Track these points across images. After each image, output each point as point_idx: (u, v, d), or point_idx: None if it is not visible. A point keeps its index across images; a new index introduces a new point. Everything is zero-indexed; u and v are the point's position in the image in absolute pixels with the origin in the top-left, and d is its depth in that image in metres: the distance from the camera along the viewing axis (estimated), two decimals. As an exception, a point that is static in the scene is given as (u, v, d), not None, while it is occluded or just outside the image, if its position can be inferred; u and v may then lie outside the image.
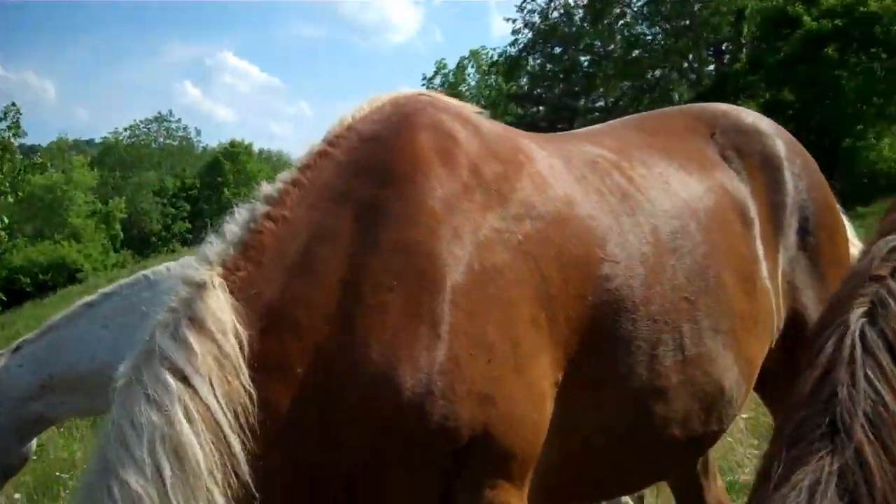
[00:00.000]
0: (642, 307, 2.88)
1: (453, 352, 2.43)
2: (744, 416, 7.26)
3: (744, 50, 39.64)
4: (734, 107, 3.88)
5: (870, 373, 2.15)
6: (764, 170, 3.53)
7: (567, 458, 2.79)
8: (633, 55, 45.76)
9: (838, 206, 3.87)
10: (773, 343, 3.43)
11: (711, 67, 43.33)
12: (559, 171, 2.92)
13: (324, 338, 2.38)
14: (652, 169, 3.21)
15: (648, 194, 3.09)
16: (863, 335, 2.22)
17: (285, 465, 2.34)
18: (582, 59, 47.48)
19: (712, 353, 3.06)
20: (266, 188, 2.60)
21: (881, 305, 2.27)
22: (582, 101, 47.18)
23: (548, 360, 2.65)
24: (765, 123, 3.75)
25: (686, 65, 44.28)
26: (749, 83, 32.31)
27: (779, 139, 3.68)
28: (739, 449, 7.08)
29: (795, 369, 3.45)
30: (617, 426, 2.89)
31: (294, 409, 2.34)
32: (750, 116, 3.76)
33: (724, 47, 43.83)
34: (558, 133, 3.64)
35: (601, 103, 47.16)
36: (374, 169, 2.61)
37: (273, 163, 72.48)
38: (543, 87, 47.46)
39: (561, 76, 46.83)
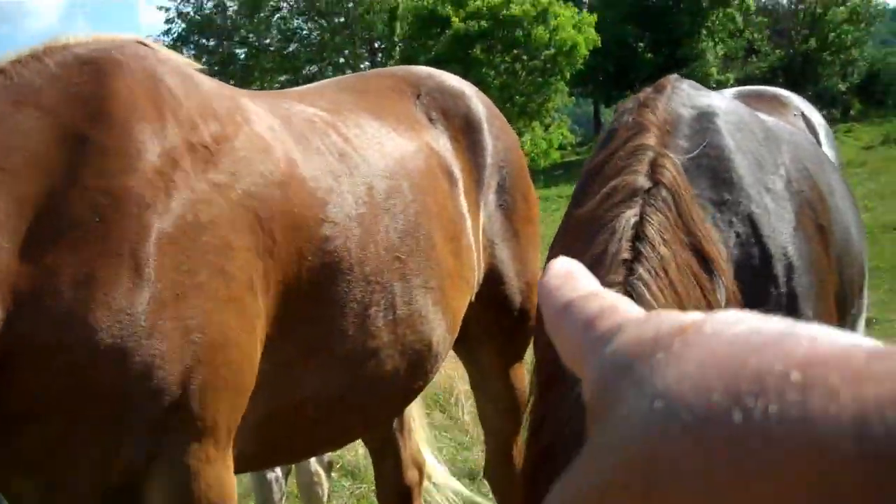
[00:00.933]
0: (357, 268, 2.89)
1: (159, 293, 2.33)
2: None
3: (397, 48, 40.95)
4: (437, 70, 3.97)
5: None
6: (467, 131, 3.65)
7: (276, 414, 2.76)
8: (290, 49, 46.04)
9: None
10: (473, 297, 3.56)
11: (367, 64, 44.39)
12: (279, 131, 2.88)
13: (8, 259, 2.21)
14: (365, 129, 3.23)
15: (364, 154, 3.10)
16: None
17: None
18: (238, 51, 47.10)
19: (422, 310, 3.13)
20: None
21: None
22: (239, 95, 46.64)
23: (263, 308, 2.62)
24: (467, 86, 3.88)
25: (342, 60, 45.03)
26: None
27: (480, 102, 3.82)
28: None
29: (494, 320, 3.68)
30: (328, 388, 2.90)
31: None
32: (454, 79, 3.87)
33: (378, 45, 45.07)
34: (272, 91, 3.55)
35: (258, 97, 46.84)
36: (89, 100, 2.41)
37: None
38: (199, 78, 46.45)
39: (216, 68, 46.11)
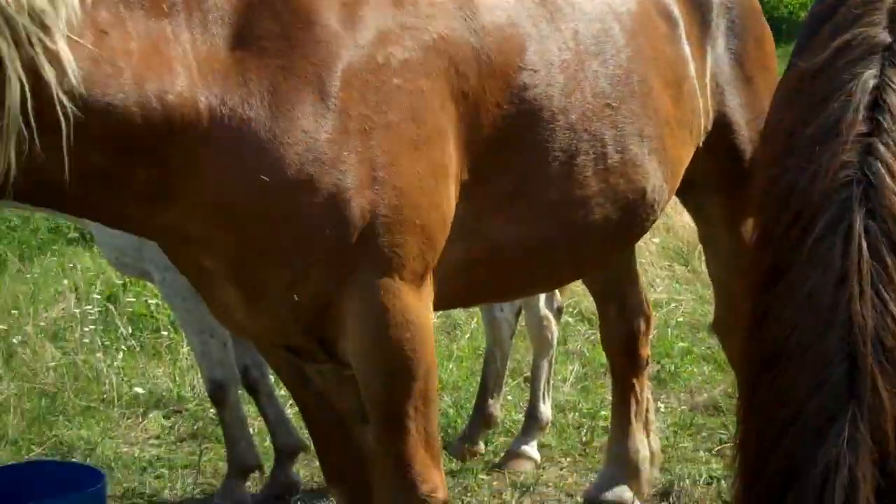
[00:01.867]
0: (561, 116, 2.84)
1: (343, 124, 2.40)
2: (655, 240, 7.65)
3: None
4: None
5: None
6: None
7: (475, 261, 2.82)
8: None
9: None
10: (700, 145, 3.46)
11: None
12: None
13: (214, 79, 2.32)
14: None
15: None
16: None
17: None
18: None
19: (637, 159, 3.06)
20: None
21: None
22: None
23: (455, 152, 2.64)
24: None
25: None
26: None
27: None
28: (651, 270, 7.45)
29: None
30: (531, 236, 2.91)
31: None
32: None
33: None
34: None
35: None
36: None
37: None
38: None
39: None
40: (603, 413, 5.33)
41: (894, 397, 2.06)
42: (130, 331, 6.70)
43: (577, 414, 5.44)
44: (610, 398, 5.40)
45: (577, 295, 6.68)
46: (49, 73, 2.06)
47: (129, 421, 5.54)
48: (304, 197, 2.38)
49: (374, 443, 2.73)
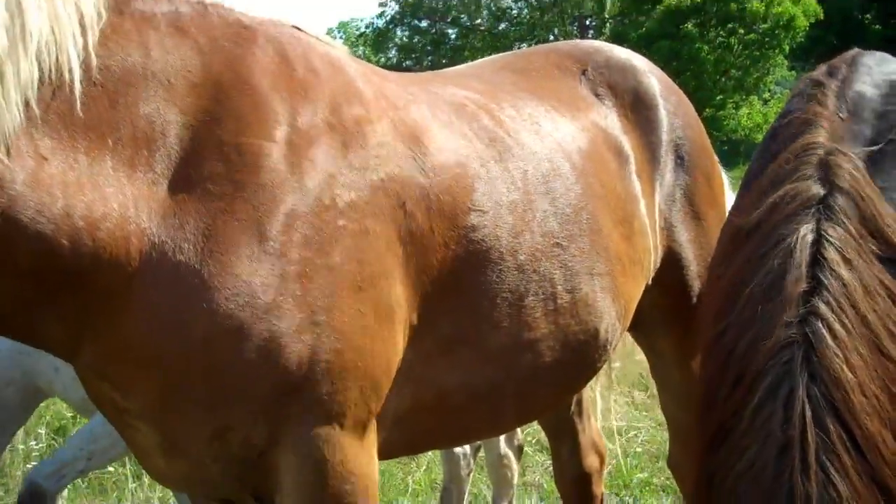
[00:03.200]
0: (509, 257, 2.80)
1: (281, 267, 2.31)
2: (615, 364, 7.62)
3: (607, 25, 40.39)
4: (606, 43, 3.80)
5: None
6: (638, 107, 3.48)
7: (421, 409, 2.73)
8: (500, 28, 46.25)
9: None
10: (649, 281, 3.43)
11: (576, 41, 43.98)
12: (425, 117, 2.81)
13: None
14: (521, 111, 3.11)
15: (518, 137, 3.00)
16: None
17: None
18: (450, 31, 47.69)
19: (588, 298, 3.01)
20: None
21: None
22: (450, 74, 47.34)
23: (403, 293, 2.57)
24: (638, 59, 3.70)
25: (552, 37, 44.85)
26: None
27: (653, 76, 3.64)
28: (608, 396, 7.39)
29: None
30: (479, 379, 2.83)
31: None
32: (623, 52, 3.70)
33: (588, 22, 44.61)
34: (424, 73, 3.49)
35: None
36: (236, 61, 2.43)
37: None
38: (412, 59, 47.41)
39: (428, 48, 46.88)
40: (563, 548, 5.22)
41: None
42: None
43: (536, 549, 5.34)
44: (570, 533, 5.38)
45: (536, 425, 6.61)
46: None
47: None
48: (234, 345, 2.27)
49: None
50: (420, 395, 2.70)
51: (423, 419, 2.76)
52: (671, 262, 3.53)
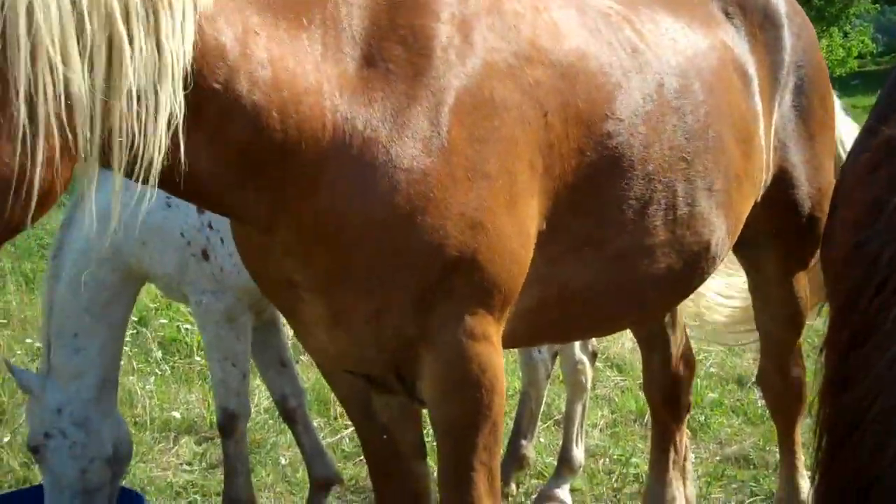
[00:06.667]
0: (639, 166, 2.88)
1: (451, 167, 2.42)
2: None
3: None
4: None
5: None
6: (765, 27, 3.51)
7: (544, 305, 2.84)
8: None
9: None
10: (758, 199, 3.49)
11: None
12: (574, 21, 2.87)
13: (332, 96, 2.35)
14: (659, 24, 3.16)
15: (657, 51, 3.05)
16: None
17: None
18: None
19: (704, 212, 3.11)
20: None
21: None
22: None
23: (537, 206, 2.66)
24: None
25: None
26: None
27: None
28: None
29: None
30: (599, 281, 2.95)
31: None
32: None
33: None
34: None
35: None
36: None
37: None
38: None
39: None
40: (634, 460, 5.35)
41: None
42: (161, 355, 6.75)
43: (607, 460, 5.45)
44: (640, 445, 5.50)
45: (606, 341, 6.70)
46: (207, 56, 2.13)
47: (162, 445, 5.57)
48: (405, 229, 2.40)
49: (441, 478, 2.75)
50: (546, 293, 2.82)
51: (546, 315, 2.89)
52: (782, 181, 3.58)
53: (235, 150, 2.26)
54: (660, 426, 4.42)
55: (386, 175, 2.36)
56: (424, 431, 3.13)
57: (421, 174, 2.38)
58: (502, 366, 2.70)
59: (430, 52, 2.44)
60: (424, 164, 2.38)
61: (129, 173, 2.10)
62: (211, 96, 2.15)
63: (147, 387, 6.19)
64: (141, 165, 2.08)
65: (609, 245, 2.91)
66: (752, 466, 5.35)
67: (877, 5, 40.08)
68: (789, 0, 3.70)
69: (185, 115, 2.09)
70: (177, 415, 5.84)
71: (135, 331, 6.98)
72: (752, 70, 3.40)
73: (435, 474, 2.86)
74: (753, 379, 5.23)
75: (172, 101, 2.06)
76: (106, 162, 2.07)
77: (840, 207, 2.82)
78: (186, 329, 6.96)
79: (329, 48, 2.34)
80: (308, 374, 6.24)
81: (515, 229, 2.57)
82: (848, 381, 2.22)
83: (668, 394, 4.36)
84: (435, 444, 2.81)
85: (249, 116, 2.21)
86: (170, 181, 2.21)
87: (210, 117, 2.18)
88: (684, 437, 4.46)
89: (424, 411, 2.91)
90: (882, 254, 2.27)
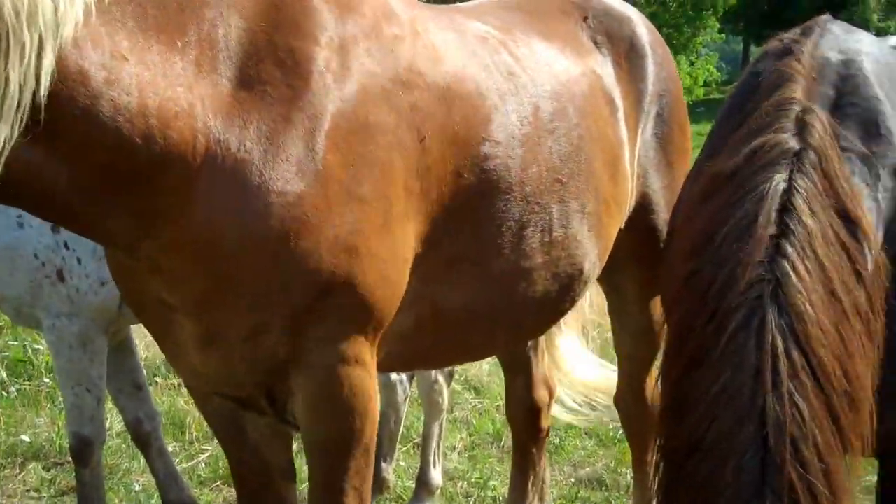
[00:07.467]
0: (517, 188, 2.93)
1: (325, 190, 2.42)
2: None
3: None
4: None
5: None
6: (630, 57, 3.62)
7: (421, 328, 2.87)
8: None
9: None
10: (622, 224, 3.59)
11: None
12: (452, 44, 2.91)
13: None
14: (534, 49, 3.23)
15: (532, 75, 3.11)
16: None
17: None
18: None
19: (578, 234, 3.17)
20: None
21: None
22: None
23: (413, 229, 2.68)
24: (632, 11, 3.84)
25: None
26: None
27: (645, 27, 3.78)
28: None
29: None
30: (476, 304, 2.97)
31: None
32: (619, 3, 3.82)
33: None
34: (445, 6, 3.53)
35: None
36: None
37: None
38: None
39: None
40: (492, 483, 5.39)
41: (804, 483, 2.20)
42: (7, 376, 6.48)
43: (465, 483, 5.47)
44: (497, 468, 5.54)
45: (463, 365, 6.74)
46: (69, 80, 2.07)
47: (7, 472, 5.34)
48: (282, 250, 2.39)
49: (311, 501, 2.74)
50: (422, 314, 2.83)
51: (424, 337, 2.91)
52: (644, 207, 3.71)
53: (98, 172, 2.21)
54: (521, 449, 4.48)
55: (259, 197, 2.34)
56: (295, 455, 3.10)
57: (295, 197, 2.37)
58: (376, 389, 2.70)
59: (307, 76, 2.43)
60: (299, 188, 2.38)
61: None
62: (70, 121, 2.10)
63: (-9, 410, 5.93)
64: None
65: (486, 267, 2.94)
66: (604, 488, 5.45)
67: (722, 35, 41.78)
68: (652, 31, 3.83)
69: (42, 135, 2.04)
70: (25, 438, 5.61)
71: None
72: (618, 98, 3.50)
73: (305, 497, 2.84)
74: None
75: (14, 129, 1.99)
76: None
77: (675, 238, 2.98)
78: (35, 349, 6.70)
79: (204, 69, 2.31)
80: (162, 397, 6.11)
81: (390, 253, 2.59)
82: (683, 407, 2.34)
83: (530, 416, 4.42)
84: (305, 466, 2.80)
85: (111, 142, 2.16)
86: (27, 198, 2.18)
87: (70, 140, 2.13)
88: (543, 460, 4.53)
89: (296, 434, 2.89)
90: (714, 282, 2.41)
